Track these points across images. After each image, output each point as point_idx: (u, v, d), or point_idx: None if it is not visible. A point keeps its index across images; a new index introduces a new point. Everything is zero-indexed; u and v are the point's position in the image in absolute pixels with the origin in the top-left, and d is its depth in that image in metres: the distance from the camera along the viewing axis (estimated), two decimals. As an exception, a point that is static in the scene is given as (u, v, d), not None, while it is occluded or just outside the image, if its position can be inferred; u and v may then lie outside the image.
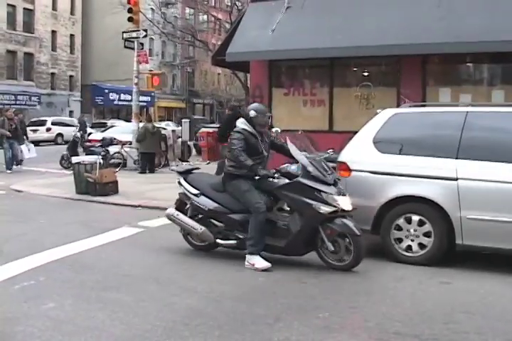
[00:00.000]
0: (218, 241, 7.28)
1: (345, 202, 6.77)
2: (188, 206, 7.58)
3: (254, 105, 7.55)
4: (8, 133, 18.13)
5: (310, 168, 6.84)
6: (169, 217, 7.59)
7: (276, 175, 6.95)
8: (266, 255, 6.93)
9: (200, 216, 7.44)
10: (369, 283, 6.36)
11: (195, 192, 7.40)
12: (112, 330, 4.73)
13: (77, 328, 4.77)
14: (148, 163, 18.12)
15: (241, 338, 4.60)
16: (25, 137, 19.71)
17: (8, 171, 18.04)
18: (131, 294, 5.73)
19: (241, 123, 7.23)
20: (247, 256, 6.87)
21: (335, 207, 6.67)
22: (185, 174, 7.71)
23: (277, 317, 5.12)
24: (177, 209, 7.64)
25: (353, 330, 4.88)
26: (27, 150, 19.29)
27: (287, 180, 6.98)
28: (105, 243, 8.12)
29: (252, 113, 7.19)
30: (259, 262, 6.77)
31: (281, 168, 7.22)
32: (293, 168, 8.23)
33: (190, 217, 7.45)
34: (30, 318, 4.99)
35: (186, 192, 7.50)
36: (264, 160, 7.26)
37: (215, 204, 7.24)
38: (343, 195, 6.86)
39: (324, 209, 6.66)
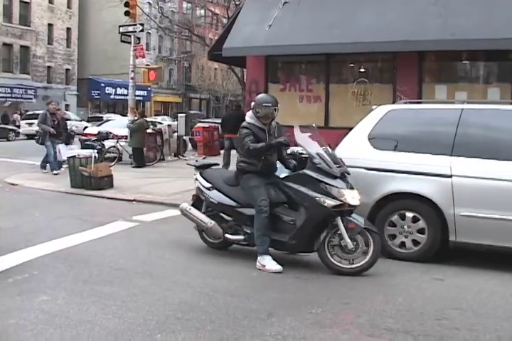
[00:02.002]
0: (227, 235, 7.13)
1: (352, 197, 6.46)
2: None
3: (258, 96, 7.31)
4: (52, 129, 15.61)
5: (316, 160, 6.60)
6: (182, 211, 7.48)
7: (286, 141, 6.66)
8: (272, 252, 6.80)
9: (211, 211, 7.36)
10: (362, 279, 6.37)
11: (208, 185, 7.33)
12: (104, 324, 4.74)
13: (69, 321, 4.77)
14: (141, 158, 18.15)
15: (233, 333, 4.61)
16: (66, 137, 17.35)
17: (55, 172, 15.57)
18: (125, 288, 5.74)
19: (249, 117, 7.07)
20: (258, 257, 6.68)
21: (340, 200, 6.39)
22: (202, 169, 7.64)
23: (270, 312, 5.13)
24: (193, 205, 7.55)
25: (344, 326, 4.88)
26: (64, 151, 16.25)
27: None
28: (99, 237, 8.11)
29: (252, 104, 7.07)
30: (270, 264, 6.56)
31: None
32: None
33: (204, 213, 7.38)
34: (23, 311, 4.99)
35: (200, 186, 7.44)
36: (273, 154, 7.04)
37: (225, 198, 7.14)
38: (351, 188, 6.54)
39: (329, 202, 6.38)
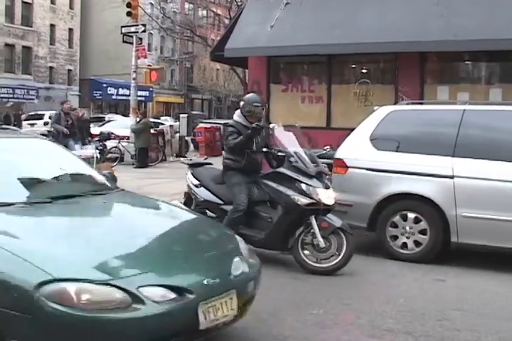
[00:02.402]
0: None
1: (326, 196, 6.51)
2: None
3: (247, 96, 7.41)
4: (65, 129, 15.14)
5: (292, 158, 6.67)
6: None
7: (261, 126, 6.73)
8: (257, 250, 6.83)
9: (199, 208, 7.40)
10: (363, 279, 6.37)
11: (196, 183, 7.44)
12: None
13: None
14: (145, 158, 18.16)
15: (233, 333, 4.60)
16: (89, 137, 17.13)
17: None
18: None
19: (236, 116, 7.19)
20: None
21: (314, 199, 6.44)
22: (194, 167, 7.74)
23: (270, 312, 5.12)
24: (185, 203, 7.62)
25: (345, 327, 4.88)
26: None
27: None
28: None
29: (241, 103, 7.14)
30: None
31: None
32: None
33: (192, 210, 7.31)
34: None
35: (190, 183, 7.55)
36: (258, 153, 7.07)
37: (211, 195, 7.24)
38: (327, 188, 6.61)
39: (302, 200, 6.44)
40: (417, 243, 7.11)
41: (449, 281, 6.35)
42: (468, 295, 5.85)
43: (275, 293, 5.72)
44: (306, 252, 6.55)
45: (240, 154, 6.91)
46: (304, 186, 6.51)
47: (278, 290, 5.83)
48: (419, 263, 6.94)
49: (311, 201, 6.43)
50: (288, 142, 6.93)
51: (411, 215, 7.13)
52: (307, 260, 6.53)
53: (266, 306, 5.29)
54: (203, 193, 7.33)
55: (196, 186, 7.43)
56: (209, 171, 7.65)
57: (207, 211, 7.31)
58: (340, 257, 6.39)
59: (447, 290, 6.06)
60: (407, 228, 7.15)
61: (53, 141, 14.34)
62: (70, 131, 15.17)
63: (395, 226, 7.23)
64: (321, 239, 6.40)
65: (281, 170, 6.73)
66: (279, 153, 6.82)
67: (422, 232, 7.07)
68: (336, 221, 6.49)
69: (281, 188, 6.63)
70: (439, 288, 6.11)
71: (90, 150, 14.68)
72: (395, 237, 7.23)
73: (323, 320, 5.00)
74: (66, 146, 14.46)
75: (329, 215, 6.55)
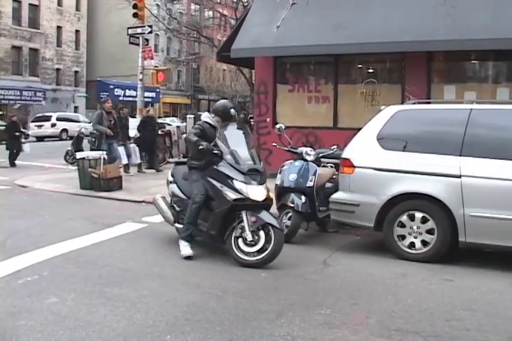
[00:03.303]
0: (176, 224, 7.72)
1: (255, 192, 6.78)
2: None
3: (219, 101, 7.93)
4: (108, 130, 14.30)
5: (228, 156, 6.99)
6: (153, 201, 8.28)
7: (217, 152, 7.04)
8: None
9: (172, 202, 8.00)
10: (371, 279, 6.36)
11: (171, 179, 8.05)
12: (113, 325, 4.75)
13: (79, 323, 4.78)
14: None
15: (242, 333, 4.61)
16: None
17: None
18: (134, 289, 5.75)
19: (204, 116, 7.68)
20: (179, 241, 7.31)
21: (242, 195, 6.74)
22: (176, 165, 8.38)
23: (279, 313, 5.13)
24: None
25: (354, 327, 4.87)
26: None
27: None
28: (109, 238, 8.13)
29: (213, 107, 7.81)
30: (184, 249, 7.13)
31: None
32: (296, 164, 8.39)
33: (167, 204, 8.02)
34: (33, 313, 5.01)
35: (167, 179, 8.21)
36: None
37: (178, 191, 7.78)
38: (260, 184, 6.89)
39: (231, 195, 6.78)
40: (424, 243, 7.09)
41: (457, 281, 6.33)
42: (477, 295, 5.83)
43: (283, 294, 5.73)
44: (237, 245, 6.83)
45: (201, 157, 7.28)
46: (234, 182, 6.85)
47: (286, 291, 5.84)
48: (427, 263, 6.92)
49: (239, 196, 6.76)
50: (233, 141, 7.17)
51: (418, 215, 7.12)
52: (238, 253, 6.80)
53: (275, 306, 5.31)
54: (173, 189, 7.91)
55: (170, 182, 8.03)
56: (184, 169, 7.95)
57: (174, 205, 7.89)
58: (267, 252, 6.64)
59: (456, 290, 6.04)
60: (415, 228, 7.14)
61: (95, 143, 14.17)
62: (112, 132, 14.45)
63: (402, 225, 7.22)
64: (248, 233, 6.71)
65: (218, 167, 7.07)
66: (215, 151, 7.10)
67: (430, 232, 7.05)
68: (267, 217, 6.75)
69: (217, 184, 6.99)
70: (448, 288, 6.09)
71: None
72: (403, 237, 7.22)
73: (332, 320, 4.99)
74: (109, 148, 14.42)
75: (264, 212, 6.81)
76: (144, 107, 20.71)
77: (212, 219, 7.03)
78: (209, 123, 7.52)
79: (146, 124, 16.99)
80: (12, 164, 18.98)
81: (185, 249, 7.12)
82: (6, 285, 5.85)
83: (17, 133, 19.51)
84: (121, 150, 15.22)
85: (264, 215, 6.76)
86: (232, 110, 7.43)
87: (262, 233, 6.72)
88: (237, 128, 7.41)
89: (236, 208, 6.83)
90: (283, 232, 6.89)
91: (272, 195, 7.20)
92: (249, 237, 6.70)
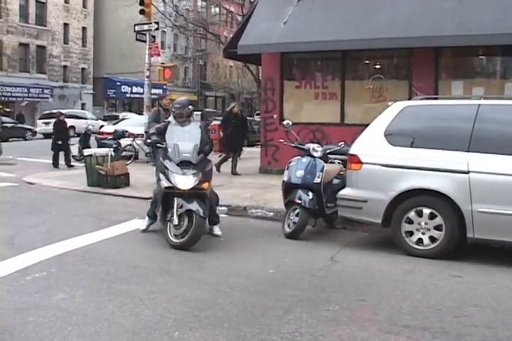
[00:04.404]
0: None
1: (181, 181, 7.44)
2: None
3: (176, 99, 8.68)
4: None
5: (169, 149, 7.70)
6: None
7: (161, 146, 7.85)
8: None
9: None
10: (379, 275, 6.35)
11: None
12: (121, 322, 4.76)
13: (87, 319, 4.79)
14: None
15: (250, 330, 4.61)
16: None
17: None
18: (142, 286, 5.76)
19: (171, 117, 8.22)
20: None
21: (172, 183, 7.46)
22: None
23: (286, 309, 5.13)
24: None
25: (362, 323, 4.87)
26: None
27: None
28: (116, 235, 8.15)
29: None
30: (142, 224, 8.37)
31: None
32: (304, 160, 8.38)
33: None
34: (41, 309, 5.03)
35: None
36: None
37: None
38: (193, 175, 7.49)
39: (163, 183, 7.57)
40: (432, 239, 7.07)
41: (465, 277, 6.31)
42: (485, 291, 5.81)
43: (291, 290, 5.73)
44: (169, 228, 7.52)
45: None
46: (168, 172, 7.57)
47: (294, 287, 5.84)
48: (435, 259, 6.90)
49: (169, 185, 7.51)
50: (180, 136, 7.81)
51: (426, 211, 7.10)
52: (169, 235, 7.47)
53: (282, 303, 5.31)
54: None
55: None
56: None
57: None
58: (187, 235, 7.27)
59: (464, 286, 6.02)
60: (423, 224, 7.12)
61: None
62: None
63: (410, 222, 7.20)
64: (174, 217, 7.42)
65: (160, 158, 7.85)
66: (158, 145, 7.94)
67: (438, 228, 7.03)
68: (193, 204, 7.37)
69: (159, 173, 7.80)
70: (456, 284, 6.07)
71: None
72: (411, 233, 7.20)
73: (340, 316, 4.99)
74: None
75: (194, 200, 7.42)
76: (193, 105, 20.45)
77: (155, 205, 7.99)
78: (171, 122, 8.12)
79: (230, 122, 15.70)
80: (69, 165, 17.90)
81: (143, 224, 8.32)
82: (14, 281, 5.86)
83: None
84: None
85: (192, 203, 7.39)
86: (176, 106, 8.02)
87: (186, 218, 7.35)
88: (184, 125, 7.95)
89: (170, 195, 7.55)
90: (204, 219, 7.46)
91: (206, 185, 7.67)
92: (175, 221, 7.39)
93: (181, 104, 8.09)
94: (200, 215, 7.30)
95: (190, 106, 8.09)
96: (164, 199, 7.68)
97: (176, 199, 7.47)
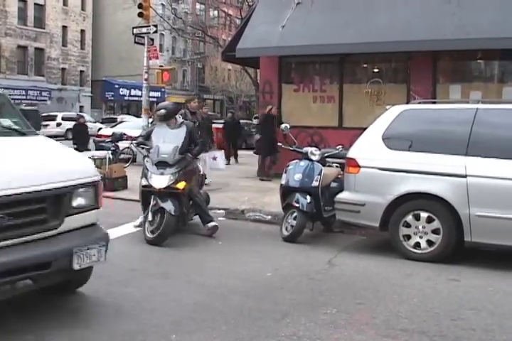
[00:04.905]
0: None
1: (155, 181, 7.88)
2: None
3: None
4: None
5: (151, 150, 8.12)
6: None
7: (145, 147, 8.26)
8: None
9: None
10: (376, 279, 6.36)
11: None
12: (119, 324, 4.75)
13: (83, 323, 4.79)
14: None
15: (248, 333, 4.61)
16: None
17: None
18: (139, 289, 5.76)
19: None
20: None
21: (148, 182, 7.93)
22: None
23: (284, 312, 5.13)
24: None
25: (359, 326, 4.87)
26: (211, 160, 12.56)
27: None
28: (114, 238, 8.06)
29: None
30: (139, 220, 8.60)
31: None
32: (302, 164, 8.37)
33: None
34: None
35: None
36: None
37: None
38: (171, 175, 7.85)
39: (142, 182, 8.08)
40: (430, 242, 7.08)
41: (463, 281, 6.32)
42: (483, 295, 5.82)
43: (289, 293, 5.73)
44: (146, 225, 7.90)
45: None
46: (147, 172, 8.03)
47: (292, 290, 5.85)
48: (433, 263, 6.91)
49: (146, 183, 7.99)
50: (162, 138, 8.18)
51: (424, 215, 7.10)
52: (145, 231, 7.84)
53: (280, 306, 5.31)
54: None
55: None
56: None
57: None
58: (159, 232, 7.65)
59: (461, 289, 6.03)
60: (420, 227, 7.13)
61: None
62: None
63: (407, 225, 7.21)
64: (149, 214, 7.85)
65: (144, 160, 8.31)
66: (142, 146, 8.35)
67: (435, 232, 7.04)
68: (166, 203, 7.75)
69: (142, 173, 8.20)
70: (453, 288, 6.08)
71: (221, 160, 12.75)
72: (408, 237, 7.21)
73: (337, 319, 4.99)
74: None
75: (168, 198, 7.79)
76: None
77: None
78: (158, 125, 8.55)
79: (268, 125, 14.72)
80: None
81: (138, 220, 8.62)
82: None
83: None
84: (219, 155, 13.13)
85: (166, 202, 7.77)
86: (162, 111, 8.28)
87: (159, 216, 7.73)
88: (172, 128, 8.28)
89: (148, 193, 8.00)
90: (174, 218, 7.77)
91: (182, 185, 7.94)
92: (149, 217, 7.83)
93: (163, 107, 8.46)
94: (171, 214, 7.70)
95: (172, 109, 8.43)
96: (144, 196, 8.14)
97: (153, 197, 7.91)
